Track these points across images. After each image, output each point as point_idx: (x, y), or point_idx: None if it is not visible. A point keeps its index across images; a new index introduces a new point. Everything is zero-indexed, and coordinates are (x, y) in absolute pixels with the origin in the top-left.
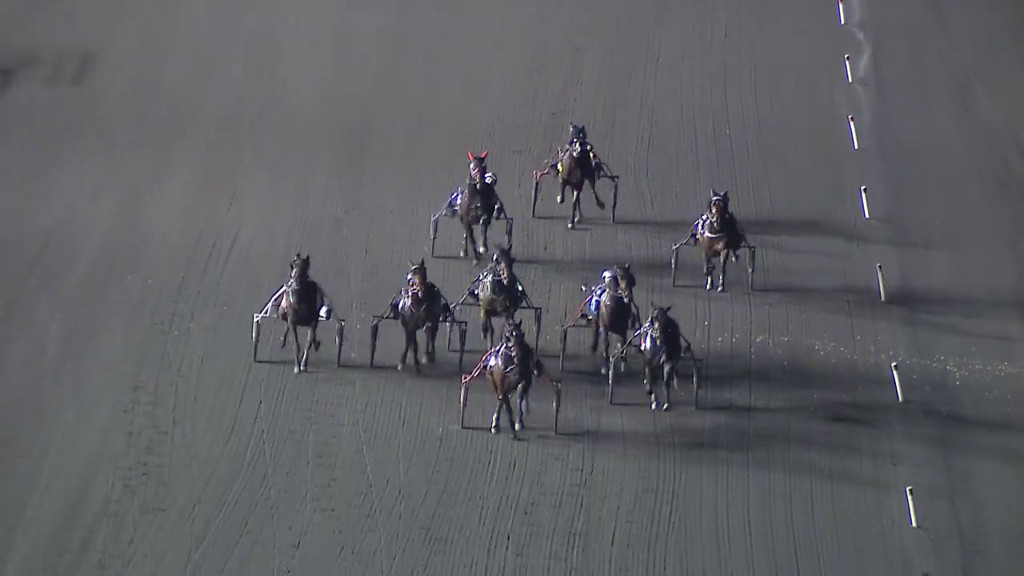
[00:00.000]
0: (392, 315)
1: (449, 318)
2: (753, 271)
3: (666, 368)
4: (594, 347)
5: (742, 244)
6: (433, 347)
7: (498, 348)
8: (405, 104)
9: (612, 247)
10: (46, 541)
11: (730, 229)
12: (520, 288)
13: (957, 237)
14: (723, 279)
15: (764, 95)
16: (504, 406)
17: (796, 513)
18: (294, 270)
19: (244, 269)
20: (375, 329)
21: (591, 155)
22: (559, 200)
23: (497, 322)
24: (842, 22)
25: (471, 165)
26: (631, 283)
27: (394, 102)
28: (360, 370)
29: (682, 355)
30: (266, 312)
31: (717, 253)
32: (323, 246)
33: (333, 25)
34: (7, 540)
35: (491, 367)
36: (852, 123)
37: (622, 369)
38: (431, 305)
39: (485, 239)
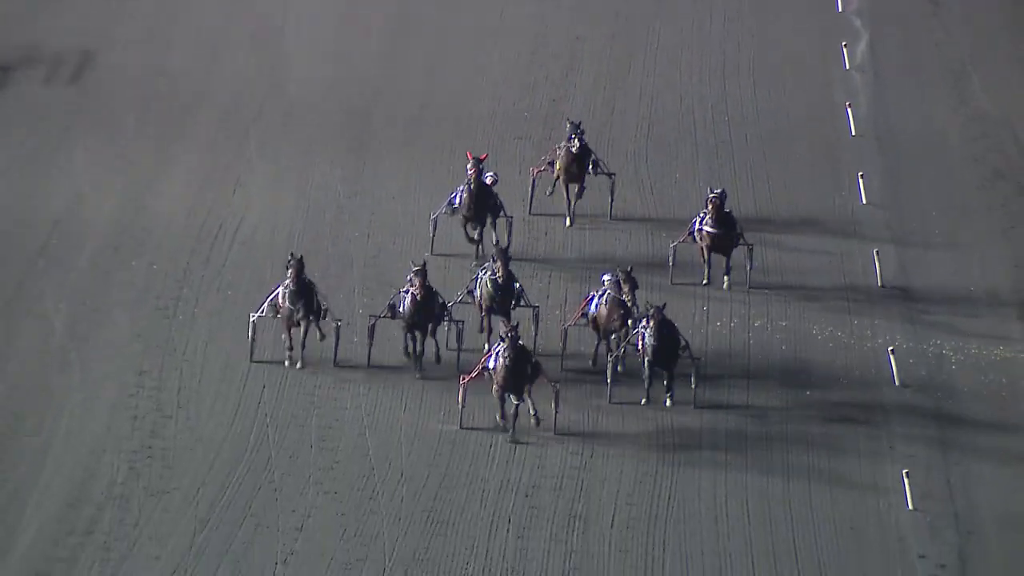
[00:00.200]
0: (390, 315)
1: (447, 317)
2: (751, 268)
3: (663, 367)
4: (605, 349)
5: (739, 242)
6: (437, 347)
7: (497, 349)
8: (406, 92)
9: (610, 245)
10: (53, 522)
11: (727, 226)
12: (518, 286)
13: (953, 223)
14: (727, 277)
15: (762, 83)
16: (502, 405)
17: (793, 496)
18: (289, 270)
19: (248, 255)
20: (372, 329)
21: (588, 152)
22: (548, 192)
23: (495, 321)
24: (839, 9)
25: (469, 166)
26: (634, 286)
27: (396, 90)
28: (363, 356)
29: (680, 353)
30: (262, 312)
31: (716, 250)
32: (325, 232)
33: (335, 15)
34: (16, 521)
35: (490, 368)
36: (849, 110)
37: (620, 368)
38: (429, 306)
39: (481, 237)
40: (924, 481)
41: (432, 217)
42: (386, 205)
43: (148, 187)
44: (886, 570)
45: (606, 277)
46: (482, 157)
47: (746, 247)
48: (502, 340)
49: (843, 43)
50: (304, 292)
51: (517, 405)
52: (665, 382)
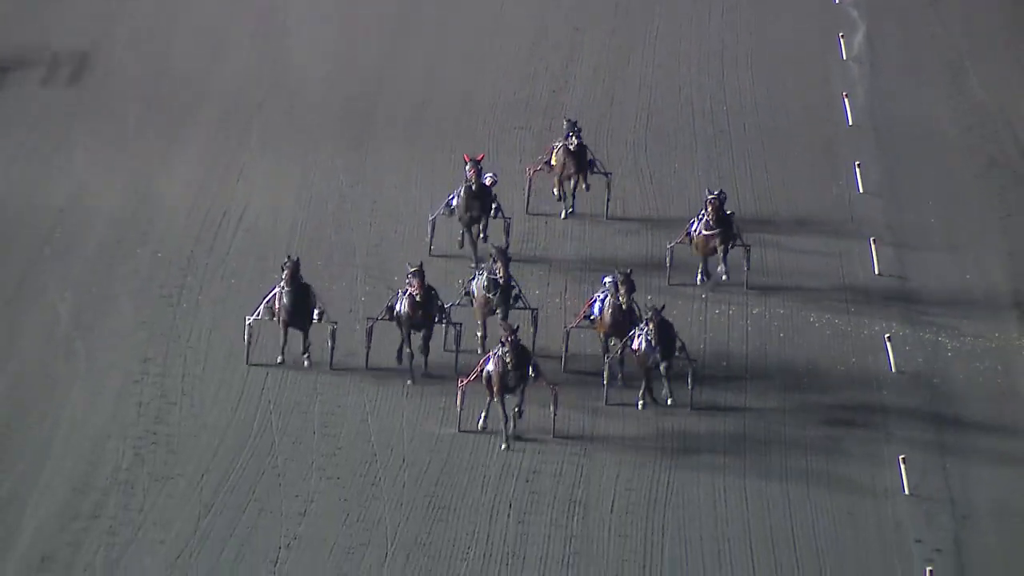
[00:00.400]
0: (388, 316)
1: (445, 319)
2: (748, 269)
3: (661, 368)
4: (603, 351)
5: (737, 242)
6: (427, 355)
7: (495, 352)
8: (407, 83)
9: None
10: (60, 507)
11: (726, 226)
12: (516, 288)
13: (949, 212)
14: (715, 276)
15: (760, 73)
16: (500, 410)
17: (791, 482)
18: (285, 272)
19: (251, 243)
20: (370, 331)
21: (586, 150)
22: (555, 195)
23: (492, 323)
24: (836, 1)
25: (467, 167)
26: (631, 289)
27: (397, 80)
28: (364, 342)
29: (677, 355)
30: (258, 314)
31: (713, 251)
32: (328, 222)
33: (337, 6)
34: (23, 506)
35: (487, 371)
36: (847, 101)
37: (621, 371)
38: (428, 308)
39: (480, 237)
40: (920, 467)
41: (430, 218)
42: (387, 194)
43: (152, 177)
44: (883, 555)
45: (607, 279)
46: (479, 157)
47: (744, 248)
48: (502, 343)
49: (840, 34)
50: (300, 294)
51: (516, 408)
52: (665, 381)
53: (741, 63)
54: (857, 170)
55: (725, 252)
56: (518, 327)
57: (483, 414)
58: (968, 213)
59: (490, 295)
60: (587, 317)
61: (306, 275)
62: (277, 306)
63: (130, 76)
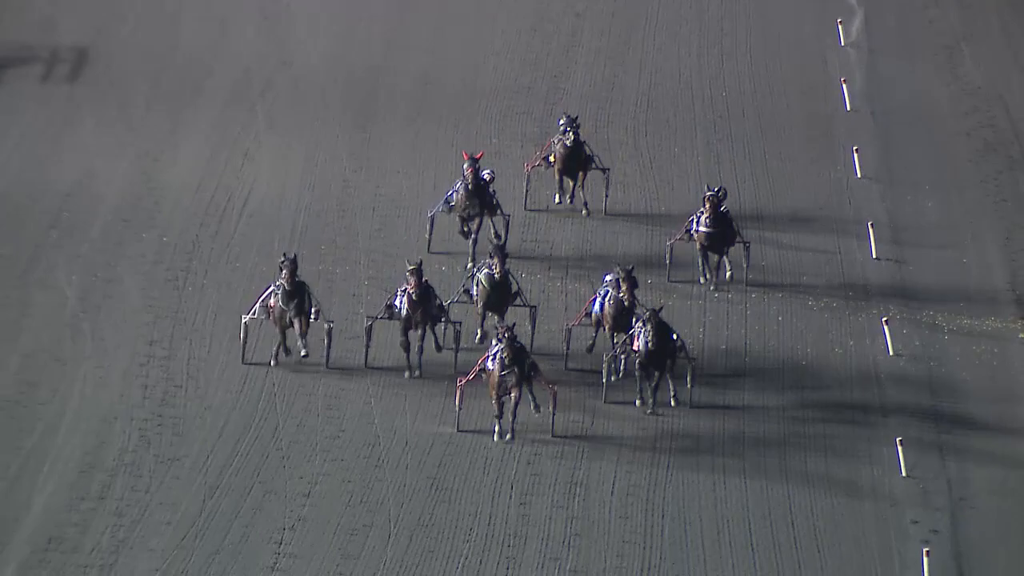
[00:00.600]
0: (387, 315)
1: (444, 318)
2: (748, 266)
3: (657, 369)
4: (590, 348)
5: (737, 240)
6: (436, 338)
7: (493, 351)
8: (411, 67)
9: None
10: (66, 488)
11: (724, 225)
12: (515, 284)
13: (945, 195)
14: (719, 275)
15: (759, 58)
16: (498, 408)
17: (790, 464)
18: (283, 271)
19: (255, 227)
20: (369, 330)
21: (584, 145)
22: (556, 201)
23: (491, 320)
24: None
25: (465, 165)
26: (633, 285)
27: (400, 65)
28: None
29: (677, 354)
30: (254, 313)
31: (712, 248)
32: (332, 205)
33: None
34: (30, 487)
35: (486, 370)
36: (844, 85)
37: (622, 368)
38: (426, 306)
39: (477, 234)
40: (917, 448)
41: (429, 215)
42: (391, 178)
43: (158, 161)
44: (880, 535)
45: (608, 276)
46: (478, 155)
47: (743, 245)
48: (499, 341)
49: (838, 20)
50: (297, 292)
51: (515, 406)
52: (667, 382)
53: (740, 48)
54: (855, 155)
55: (724, 253)
56: (514, 324)
57: (495, 427)
58: (965, 197)
59: (489, 292)
60: (588, 315)
61: (310, 258)
62: (273, 305)
63: (136, 61)
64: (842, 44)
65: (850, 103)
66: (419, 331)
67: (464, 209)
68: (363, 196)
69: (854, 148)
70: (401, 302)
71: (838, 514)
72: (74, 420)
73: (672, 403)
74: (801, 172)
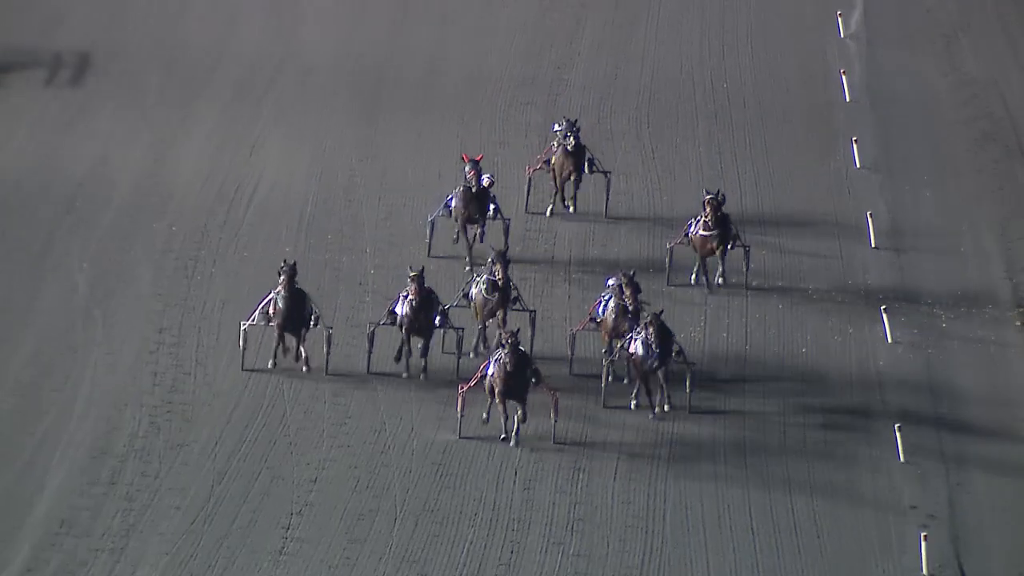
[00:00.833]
0: (390, 321)
1: (446, 324)
2: (748, 270)
3: (658, 374)
4: (606, 351)
5: (736, 243)
6: (426, 361)
7: (495, 356)
8: (416, 59)
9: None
10: (78, 473)
11: (724, 227)
12: (515, 290)
13: (944, 185)
14: (719, 277)
15: (760, 50)
16: (503, 413)
17: (789, 449)
18: (282, 277)
19: (263, 216)
20: (372, 336)
21: (584, 150)
22: (548, 213)
23: (491, 325)
24: None
25: (466, 168)
26: (636, 290)
27: (406, 57)
28: (375, 315)
29: (675, 359)
30: (253, 319)
31: (711, 251)
32: (338, 194)
33: None
34: (42, 472)
35: (488, 376)
36: (844, 76)
37: (625, 373)
38: (428, 312)
39: (476, 239)
40: (915, 434)
41: (429, 219)
42: (397, 168)
43: (168, 151)
44: (878, 520)
45: (611, 281)
46: (478, 158)
47: (743, 248)
48: (502, 347)
49: (838, 12)
50: (296, 299)
51: (518, 411)
52: (663, 387)
53: (741, 40)
54: (854, 145)
55: (724, 253)
56: (518, 330)
57: (484, 415)
58: (962, 186)
59: (488, 297)
60: (592, 320)
61: (317, 247)
62: (272, 311)
63: (147, 54)
64: (841, 35)
65: (849, 94)
66: (421, 337)
67: (464, 213)
68: (369, 186)
69: (853, 138)
70: (403, 309)
71: (837, 499)
72: (85, 406)
73: (666, 407)
74: (800, 162)
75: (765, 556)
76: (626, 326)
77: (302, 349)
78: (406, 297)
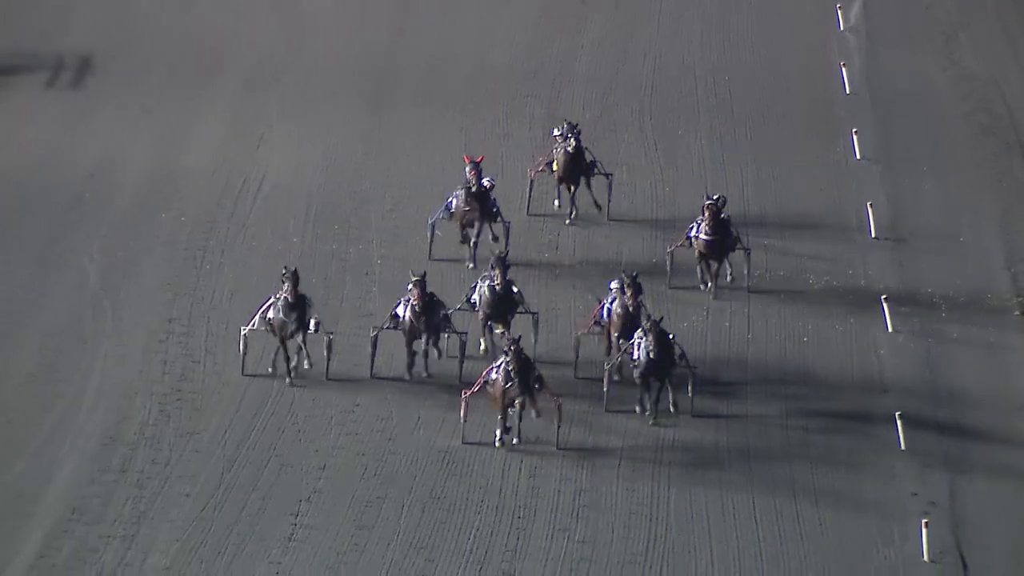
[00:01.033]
0: (392, 325)
1: (449, 328)
2: (748, 273)
3: (658, 379)
4: (608, 353)
5: (737, 247)
6: (427, 361)
7: (498, 362)
8: (422, 52)
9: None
10: (88, 461)
11: (723, 233)
12: (516, 292)
13: (943, 177)
14: (719, 281)
15: (761, 43)
16: (504, 419)
17: (792, 439)
18: (285, 284)
19: (271, 207)
20: (375, 340)
21: (585, 152)
22: (556, 205)
23: (493, 331)
24: None
25: (467, 168)
26: (638, 292)
27: (412, 51)
28: (381, 305)
29: (678, 363)
30: (253, 324)
31: (713, 255)
32: (345, 186)
33: None
34: (53, 460)
35: (491, 382)
36: (844, 69)
37: (629, 375)
38: (430, 317)
39: (477, 241)
40: (916, 422)
41: (429, 222)
42: (402, 160)
43: (176, 143)
44: (879, 507)
45: (614, 284)
46: (479, 159)
47: (744, 251)
48: (505, 353)
49: (838, 5)
50: (298, 305)
51: (520, 414)
52: (665, 393)
53: (742, 33)
54: (854, 137)
55: (722, 261)
56: (520, 336)
57: (497, 431)
58: (962, 178)
59: (491, 302)
60: (597, 323)
61: (324, 238)
62: (273, 316)
63: (154, 47)
64: (841, 29)
65: (849, 86)
66: (423, 341)
67: (464, 215)
68: (375, 178)
69: (853, 130)
70: (405, 313)
71: (839, 487)
72: (95, 396)
73: (671, 408)
74: (801, 154)
75: (768, 544)
76: (630, 327)
77: (304, 349)
78: (408, 302)
